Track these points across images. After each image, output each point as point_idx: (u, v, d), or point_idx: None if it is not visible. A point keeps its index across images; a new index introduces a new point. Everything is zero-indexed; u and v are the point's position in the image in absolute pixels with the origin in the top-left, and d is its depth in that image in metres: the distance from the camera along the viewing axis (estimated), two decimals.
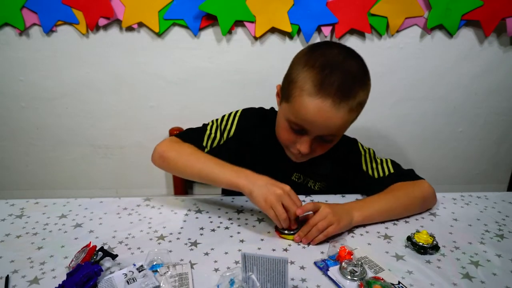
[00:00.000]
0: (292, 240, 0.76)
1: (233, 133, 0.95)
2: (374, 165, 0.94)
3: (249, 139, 0.96)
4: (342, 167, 0.97)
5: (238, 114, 0.97)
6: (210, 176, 0.80)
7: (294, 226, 0.76)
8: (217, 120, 0.97)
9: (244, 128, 0.95)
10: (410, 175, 0.92)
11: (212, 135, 0.94)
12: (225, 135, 0.94)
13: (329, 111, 0.77)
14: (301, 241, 0.75)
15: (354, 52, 0.85)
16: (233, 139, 0.94)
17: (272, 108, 1.02)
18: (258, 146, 0.97)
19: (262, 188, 0.74)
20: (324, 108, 0.77)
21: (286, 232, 0.76)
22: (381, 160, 0.95)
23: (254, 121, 0.98)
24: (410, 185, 0.89)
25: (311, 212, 0.77)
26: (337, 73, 0.77)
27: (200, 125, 0.98)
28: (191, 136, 0.93)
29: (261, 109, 1.02)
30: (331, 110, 0.77)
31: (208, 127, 0.95)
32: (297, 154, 0.87)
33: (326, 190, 0.98)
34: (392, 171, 0.92)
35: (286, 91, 0.84)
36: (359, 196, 0.93)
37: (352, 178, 0.96)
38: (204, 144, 0.93)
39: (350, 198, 0.92)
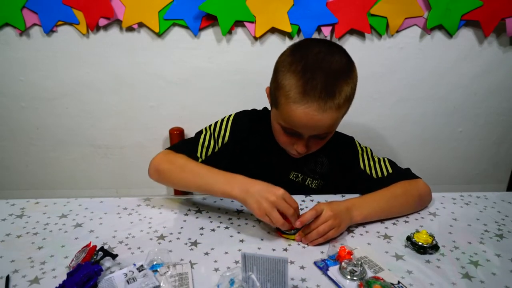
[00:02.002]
0: (293, 240, 0.76)
1: (228, 139, 0.94)
2: (371, 163, 0.95)
3: (245, 142, 0.96)
4: (339, 165, 0.97)
5: (231, 118, 0.97)
6: (204, 187, 0.80)
7: (292, 226, 0.76)
8: (210, 127, 0.96)
9: (239, 132, 0.95)
10: (407, 174, 0.93)
11: (206, 143, 0.93)
12: (219, 142, 0.94)
13: (316, 115, 0.78)
14: (301, 241, 0.76)
15: (335, 46, 0.84)
16: (228, 144, 0.94)
17: (265, 108, 1.02)
18: (254, 148, 0.97)
19: (255, 196, 0.73)
20: (311, 112, 0.78)
21: (287, 231, 0.77)
22: (379, 159, 0.96)
23: (248, 124, 0.97)
24: (407, 184, 0.89)
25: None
26: (319, 74, 0.77)
27: (199, 124, 0.98)
28: (185, 148, 0.92)
29: (253, 111, 1.02)
30: (318, 113, 0.78)
31: (202, 136, 0.94)
32: (297, 156, 0.89)
33: (323, 188, 0.98)
34: (390, 171, 0.93)
35: (274, 96, 0.85)
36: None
37: (350, 176, 0.96)
38: (198, 154, 0.92)
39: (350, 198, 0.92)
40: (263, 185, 0.75)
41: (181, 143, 0.97)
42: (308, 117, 0.78)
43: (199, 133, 0.96)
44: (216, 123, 0.97)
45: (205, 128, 0.96)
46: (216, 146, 0.93)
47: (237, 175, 0.78)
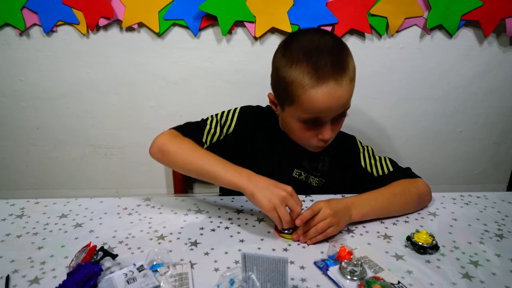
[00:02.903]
0: (291, 239, 0.76)
1: (233, 130, 0.95)
2: (372, 162, 0.95)
3: (248, 137, 0.96)
4: (341, 163, 0.98)
5: (237, 111, 0.97)
6: (211, 174, 0.79)
7: (294, 224, 0.76)
8: (216, 115, 0.97)
9: (244, 126, 0.96)
10: (408, 173, 0.93)
11: (212, 130, 0.93)
12: (224, 131, 0.94)
13: (336, 91, 0.79)
14: (299, 240, 0.75)
15: (321, 29, 0.88)
16: (232, 135, 0.94)
17: (268, 106, 1.02)
18: (258, 144, 0.97)
19: (264, 190, 0.74)
20: (331, 91, 0.79)
21: (285, 231, 0.77)
22: (380, 158, 0.96)
23: (253, 120, 0.98)
24: (407, 183, 0.89)
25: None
26: (323, 54, 0.79)
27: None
28: (191, 131, 0.91)
29: (259, 107, 1.02)
30: (337, 89, 0.79)
31: (208, 122, 0.95)
32: (323, 146, 0.89)
33: (324, 186, 0.98)
34: (391, 169, 0.93)
35: (285, 95, 0.84)
36: None
37: (351, 175, 0.96)
38: (204, 139, 0.92)
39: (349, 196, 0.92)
40: (272, 181, 0.76)
41: (187, 126, 0.95)
42: (329, 97, 0.79)
43: (205, 119, 0.96)
44: (223, 112, 0.97)
45: (212, 116, 0.96)
46: (221, 134, 0.94)
47: (245, 169, 0.79)
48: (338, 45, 0.83)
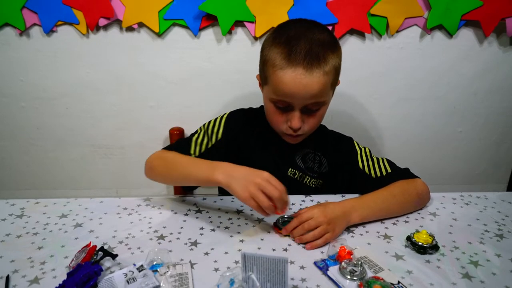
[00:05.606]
0: (288, 235, 0.76)
1: (221, 136, 0.95)
2: (370, 163, 0.95)
3: (239, 140, 0.97)
4: (338, 164, 0.98)
5: (224, 116, 0.98)
6: (189, 177, 0.80)
7: (282, 212, 0.74)
8: (204, 125, 0.98)
9: (232, 129, 0.96)
10: (406, 174, 0.93)
11: (200, 139, 0.94)
12: (213, 138, 0.95)
13: (303, 78, 0.79)
14: (288, 235, 0.76)
15: (319, 24, 0.88)
16: (221, 141, 0.95)
17: (262, 106, 1.02)
18: (249, 145, 0.97)
19: (240, 180, 0.73)
20: (298, 76, 0.79)
21: (282, 226, 0.77)
22: (377, 159, 0.96)
23: (242, 121, 0.98)
24: (405, 183, 0.89)
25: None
26: (303, 42, 0.80)
27: (199, 124, 0.99)
28: (178, 146, 0.94)
29: (249, 109, 1.04)
30: (305, 76, 0.79)
31: (196, 134, 0.96)
32: (293, 134, 0.88)
33: (322, 188, 0.98)
34: (389, 170, 0.93)
35: (262, 74, 0.87)
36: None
37: (349, 176, 0.96)
38: (192, 151, 0.93)
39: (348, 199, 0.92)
40: (247, 169, 0.75)
41: (175, 142, 0.98)
42: (296, 81, 0.80)
43: (193, 133, 0.98)
44: (210, 121, 0.98)
45: (200, 128, 0.98)
46: (210, 142, 0.95)
47: (221, 162, 0.78)
48: (325, 39, 0.83)
